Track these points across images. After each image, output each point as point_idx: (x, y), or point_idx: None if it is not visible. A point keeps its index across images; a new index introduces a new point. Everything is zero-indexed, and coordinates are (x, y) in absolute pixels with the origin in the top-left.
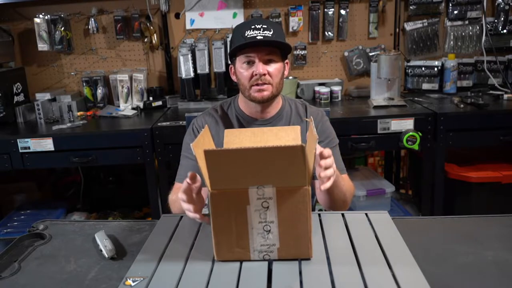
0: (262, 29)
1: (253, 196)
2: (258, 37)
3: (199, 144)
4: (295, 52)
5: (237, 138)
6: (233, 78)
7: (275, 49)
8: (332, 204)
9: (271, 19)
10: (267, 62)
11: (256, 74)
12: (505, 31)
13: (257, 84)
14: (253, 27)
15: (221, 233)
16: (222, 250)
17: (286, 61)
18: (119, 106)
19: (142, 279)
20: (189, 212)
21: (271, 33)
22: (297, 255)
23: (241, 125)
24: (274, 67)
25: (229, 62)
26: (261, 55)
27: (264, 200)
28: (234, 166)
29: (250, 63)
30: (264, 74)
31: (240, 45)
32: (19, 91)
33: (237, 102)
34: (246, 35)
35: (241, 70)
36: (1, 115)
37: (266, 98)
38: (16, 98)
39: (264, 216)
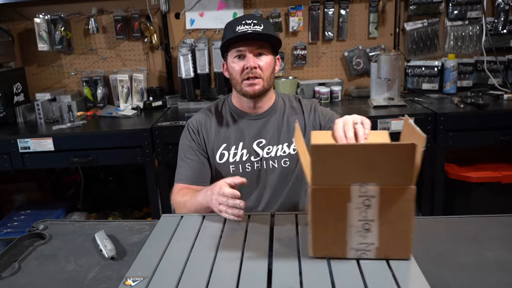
0: (252, 24)
1: (355, 194)
2: (249, 32)
3: (300, 139)
4: (295, 52)
5: (323, 139)
6: (226, 74)
7: (266, 43)
8: None
9: (271, 19)
10: (257, 56)
11: (247, 68)
12: (505, 31)
13: (248, 78)
14: (243, 22)
15: (319, 229)
16: (318, 247)
17: (277, 56)
18: (119, 106)
19: (142, 279)
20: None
21: (261, 28)
22: (395, 255)
23: (234, 120)
24: (264, 61)
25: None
26: (251, 49)
27: (366, 198)
28: (339, 162)
29: (241, 57)
30: (255, 67)
31: (230, 39)
32: (19, 91)
33: (231, 99)
34: (237, 30)
35: (233, 65)
36: (1, 115)
37: (258, 92)
38: (16, 98)
39: (364, 214)
